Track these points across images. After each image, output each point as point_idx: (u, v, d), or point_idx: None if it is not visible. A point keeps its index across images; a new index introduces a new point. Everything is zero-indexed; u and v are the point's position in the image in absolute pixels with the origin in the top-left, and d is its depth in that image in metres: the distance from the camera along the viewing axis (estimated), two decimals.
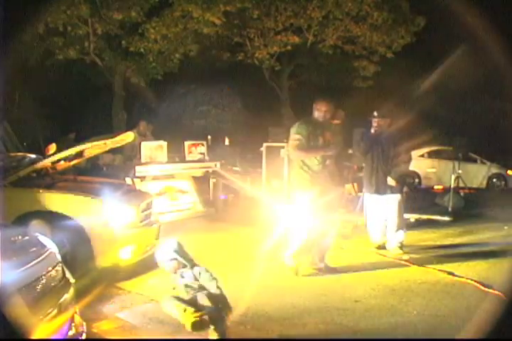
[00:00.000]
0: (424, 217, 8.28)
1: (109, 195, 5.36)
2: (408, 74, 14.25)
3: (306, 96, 16.35)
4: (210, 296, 3.70)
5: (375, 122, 6.45)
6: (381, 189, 6.35)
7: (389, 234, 6.44)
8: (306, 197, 5.30)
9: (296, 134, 5.35)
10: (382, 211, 6.45)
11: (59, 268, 3.28)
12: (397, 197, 6.36)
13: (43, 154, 7.11)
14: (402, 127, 6.41)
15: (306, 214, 5.31)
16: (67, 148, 6.09)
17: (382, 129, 6.41)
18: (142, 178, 7.73)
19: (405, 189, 10.59)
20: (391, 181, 6.28)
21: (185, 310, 3.58)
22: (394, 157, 6.33)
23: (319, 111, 5.44)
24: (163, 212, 7.42)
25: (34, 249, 3.25)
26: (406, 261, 5.97)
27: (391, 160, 6.33)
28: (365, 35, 14.52)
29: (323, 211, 5.26)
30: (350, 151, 8.50)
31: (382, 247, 6.47)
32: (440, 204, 9.59)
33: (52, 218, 5.08)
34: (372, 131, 6.47)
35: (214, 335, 3.60)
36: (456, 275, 5.40)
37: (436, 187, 13.19)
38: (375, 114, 6.46)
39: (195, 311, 3.57)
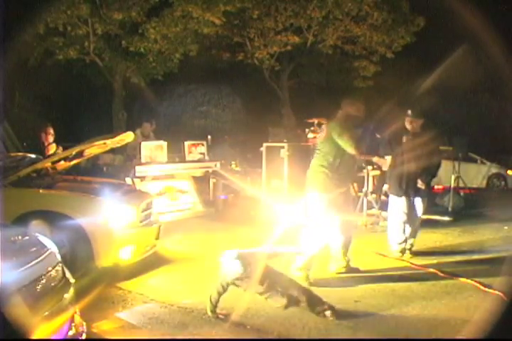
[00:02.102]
0: (424, 217, 8.26)
1: (109, 195, 5.36)
2: (408, 74, 14.26)
3: (306, 96, 16.45)
4: None
5: (410, 122, 6.07)
6: (412, 192, 6.06)
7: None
8: (325, 200, 5.16)
9: (348, 131, 5.19)
10: (406, 214, 6.13)
11: (59, 268, 3.28)
12: (425, 201, 6.16)
13: (43, 154, 7.12)
14: (433, 128, 6.11)
15: (325, 217, 5.15)
16: None
17: (415, 130, 6.07)
18: (142, 178, 7.73)
19: None
20: (421, 184, 6.02)
21: None
22: (427, 159, 5.95)
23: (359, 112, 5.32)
24: (163, 212, 7.42)
25: (34, 248, 3.25)
26: (406, 261, 5.97)
27: (422, 163, 5.95)
28: (365, 35, 14.51)
29: (339, 212, 5.19)
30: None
31: (403, 252, 6.21)
32: (440, 204, 9.59)
33: (52, 218, 5.08)
34: (409, 129, 6.07)
35: None
36: (456, 275, 5.40)
37: (436, 187, 13.18)
38: (409, 113, 6.08)
39: None
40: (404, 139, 6.07)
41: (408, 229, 6.18)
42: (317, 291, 4.90)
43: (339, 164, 5.20)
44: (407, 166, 6.01)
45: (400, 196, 6.11)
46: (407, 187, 6.06)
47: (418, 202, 6.15)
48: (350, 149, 5.16)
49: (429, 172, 6.16)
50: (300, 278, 5.13)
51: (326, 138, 5.29)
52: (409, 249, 6.22)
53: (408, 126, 6.09)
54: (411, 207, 6.12)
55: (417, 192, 6.09)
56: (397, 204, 6.16)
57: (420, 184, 6.02)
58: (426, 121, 6.13)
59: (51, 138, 7.68)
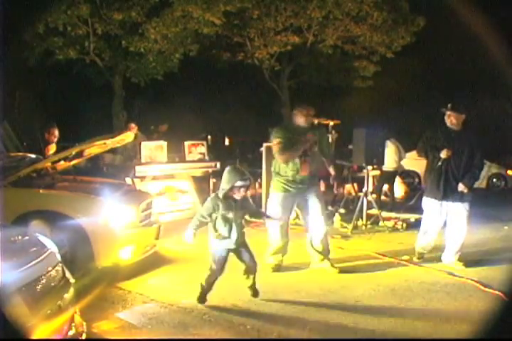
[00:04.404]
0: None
1: (109, 195, 5.36)
2: (408, 74, 14.26)
3: (306, 97, 16.49)
4: None
5: (448, 117, 5.58)
6: (450, 195, 5.59)
7: (451, 246, 5.79)
8: (276, 199, 5.54)
9: (276, 138, 5.45)
10: (442, 220, 5.74)
11: (59, 268, 3.28)
12: (467, 206, 5.63)
13: (43, 154, 7.12)
14: (475, 126, 5.78)
15: (275, 214, 5.40)
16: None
17: (456, 127, 5.61)
18: (142, 178, 7.73)
19: (405, 189, 10.65)
20: (463, 187, 5.54)
21: None
22: (470, 162, 5.56)
23: (301, 117, 5.51)
24: (163, 212, 7.42)
25: (34, 249, 3.25)
26: (406, 261, 5.97)
27: (464, 165, 5.56)
28: (365, 35, 14.50)
29: (289, 212, 5.57)
30: (350, 146, 8.45)
31: (421, 257, 5.96)
32: None
33: (52, 218, 5.08)
34: (448, 125, 5.60)
35: None
36: (456, 276, 5.41)
37: None
38: (449, 106, 5.58)
39: None
40: (444, 136, 5.62)
41: (453, 239, 5.78)
42: (317, 291, 4.92)
43: (285, 170, 5.47)
44: (445, 167, 5.58)
45: (437, 199, 5.66)
46: (445, 190, 5.59)
47: (460, 208, 5.63)
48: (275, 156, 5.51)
49: (473, 175, 5.65)
50: (269, 265, 5.51)
51: None
52: (460, 259, 5.84)
53: (448, 121, 5.63)
54: (444, 212, 5.70)
55: (459, 196, 5.60)
56: (432, 208, 5.75)
57: (462, 187, 5.55)
58: (467, 118, 5.67)
59: (54, 139, 7.67)
